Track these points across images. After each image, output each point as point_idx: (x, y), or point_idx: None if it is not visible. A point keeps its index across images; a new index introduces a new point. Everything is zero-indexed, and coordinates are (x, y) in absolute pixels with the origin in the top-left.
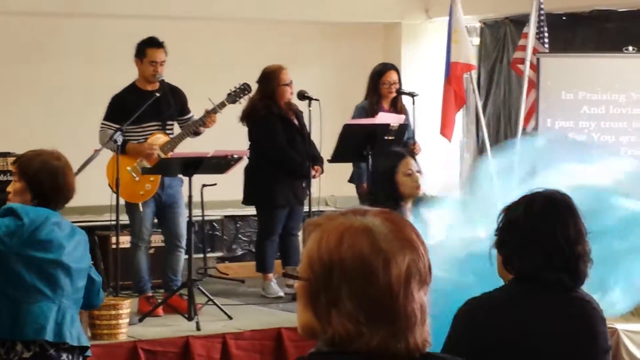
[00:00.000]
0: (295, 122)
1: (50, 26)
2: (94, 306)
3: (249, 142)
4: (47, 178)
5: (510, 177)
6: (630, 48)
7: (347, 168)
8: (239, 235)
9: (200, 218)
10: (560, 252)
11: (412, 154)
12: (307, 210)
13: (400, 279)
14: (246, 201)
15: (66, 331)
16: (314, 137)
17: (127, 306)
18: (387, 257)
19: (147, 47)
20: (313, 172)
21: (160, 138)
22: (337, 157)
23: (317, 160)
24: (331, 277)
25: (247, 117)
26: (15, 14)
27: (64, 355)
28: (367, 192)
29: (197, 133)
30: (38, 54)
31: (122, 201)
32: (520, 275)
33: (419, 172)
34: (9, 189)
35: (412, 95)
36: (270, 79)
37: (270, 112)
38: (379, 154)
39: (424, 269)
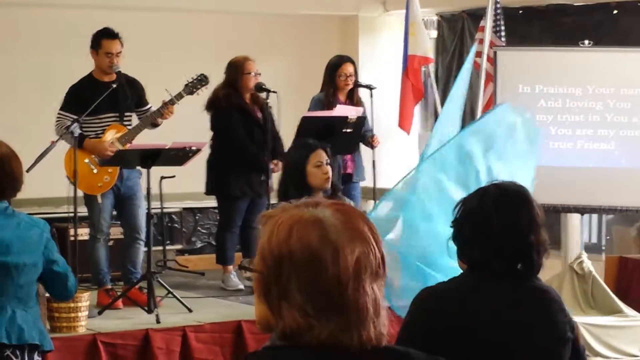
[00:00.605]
0: (259, 114)
1: (5, 16)
2: (65, 297)
3: (212, 132)
4: None
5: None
6: (587, 42)
7: None
8: (198, 228)
9: (159, 210)
10: (511, 241)
11: (372, 146)
12: (268, 203)
13: (349, 270)
14: (207, 191)
15: (1, 330)
16: None
17: (86, 299)
18: (336, 249)
19: (102, 39)
20: (272, 166)
21: (115, 133)
22: None
23: (277, 154)
24: (281, 269)
25: (209, 105)
26: None
27: (8, 352)
28: (279, 185)
29: (155, 124)
30: None
31: (80, 193)
32: (472, 264)
33: (329, 164)
34: None
35: (369, 87)
36: (235, 68)
37: (230, 101)
38: (290, 149)
39: (375, 261)
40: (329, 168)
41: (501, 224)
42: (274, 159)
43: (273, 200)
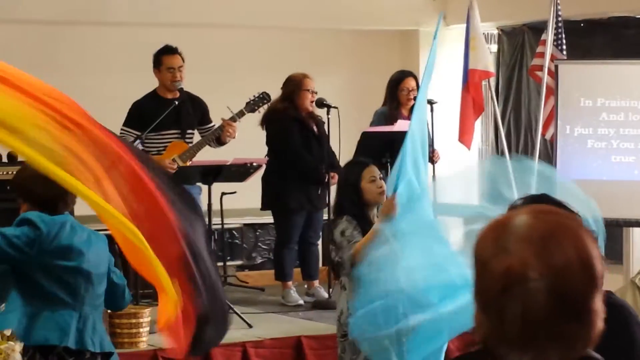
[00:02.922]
0: (314, 128)
1: (59, 34)
2: (120, 308)
3: (267, 147)
4: (37, 184)
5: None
6: None
7: None
8: (259, 243)
9: (219, 226)
10: None
11: (432, 161)
12: (326, 218)
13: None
14: (263, 207)
15: (87, 338)
16: (333, 145)
17: (147, 315)
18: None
19: (163, 55)
20: (331, 180)
21: (180, 147)
22: None
23: (335, 168)
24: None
25: (265, 119)
26: (24, 23)
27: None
28: (334, 202)
29: (219, 141)
30: (48, 62)
31: None
32: None
33: (382, 179)
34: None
35: (430, 102)
36: (293, 83)
37: (287, 114)
38: (343, 168)
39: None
40: (382, 182)
41: None
42: (332, 172)
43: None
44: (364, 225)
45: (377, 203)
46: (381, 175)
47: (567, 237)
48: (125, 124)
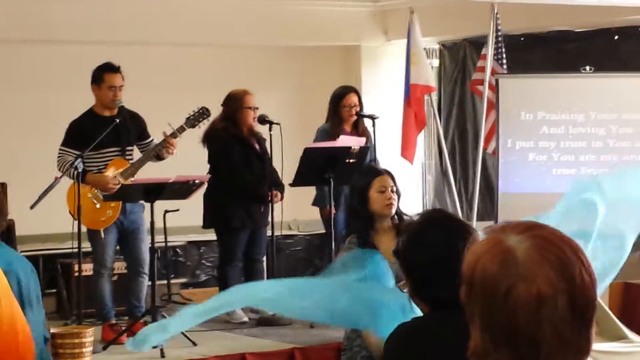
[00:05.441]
0: (256, 146)
1: (4, 53)
2: None
3: (208, 165)
4: None
5: None
6: (588, 68)
7: (310, 191)
8: (202, 261)
9: (163, 244)
10: None
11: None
12: (270, 234)
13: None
14: (205, 224)
15: None
16: (276, 161)
17: (90, 334)
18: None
19: (105, 73)
20: (274, 198)
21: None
22: (298, 181)
23: (277, 186)
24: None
25: (206, 137)
26: None
27: None
28: (345, 210)
29: (159, 158)
30: None
31: (84, 228)
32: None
33: (394, 191)
34: None
35: (372, 117)
36: (234, 101)
37: (228, 132)
38: (353, 176)
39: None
40: (393, 195)
41: None
42: (273, 190)
43: (277, 232)
44: (366, 243)
45: (383, 215)
46: (395, 188)
47: (570, 248)
48: (64, 144)
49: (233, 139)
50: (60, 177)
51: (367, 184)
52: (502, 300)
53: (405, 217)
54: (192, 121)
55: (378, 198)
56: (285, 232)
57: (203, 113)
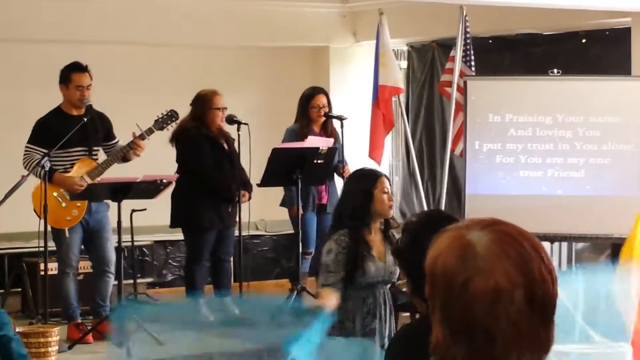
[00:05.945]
0: (225, 146)
1: None
2: None
3: (177, 165)
4: None
5: None
6: (556, 71)
7: (278, 192)
8: (169, 261)
9: (129, 243)
10: None
11: (343, 176)
12: (238, 234)
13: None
14: (173, 224)
15: None
16: (244, 161)
17: (56, 334)
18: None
19: (72, 72)
20: (242, 198)
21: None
22: (266, 181)
23: (245, 186)
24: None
25: (176, 137)
26: None
27: None
28: (334, 211)
29: (125, 159)
30: None
31: (49, 227)
32: None
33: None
34: None
35: (340, 118)
36: (203, 101)
37: (198, 133)
38: (355, 173)
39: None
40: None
41: None
42: (242, 190)
43: (244, 232)
44: (360, 239)
45: (383, 215)
46: (391, 191)
47: (530, 244)
48: (30, 142)
49: (202, 139)
50: (27, 176)
51: (373, 183)
52: (460, 292)
53: (391, 221)
54: (161, 123)
55: (383, 198)
56: (253, 232)
57: (172, 116)
